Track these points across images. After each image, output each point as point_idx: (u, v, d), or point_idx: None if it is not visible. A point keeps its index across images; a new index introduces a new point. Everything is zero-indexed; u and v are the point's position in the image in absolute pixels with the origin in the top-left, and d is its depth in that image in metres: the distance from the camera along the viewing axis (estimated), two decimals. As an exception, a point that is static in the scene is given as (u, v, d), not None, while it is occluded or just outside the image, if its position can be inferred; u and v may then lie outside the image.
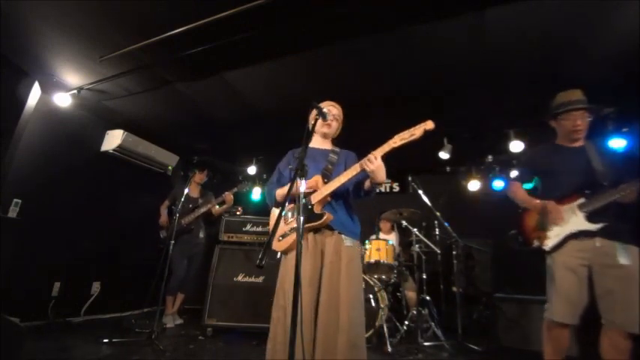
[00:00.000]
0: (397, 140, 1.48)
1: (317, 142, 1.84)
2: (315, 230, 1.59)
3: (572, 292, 1.69)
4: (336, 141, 1.93)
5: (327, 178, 1.63)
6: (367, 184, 1.59)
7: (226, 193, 3.61)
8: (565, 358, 1.73)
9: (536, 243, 1.86)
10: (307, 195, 1.62)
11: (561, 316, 1.70)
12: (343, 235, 1.58)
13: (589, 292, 1.69)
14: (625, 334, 1.57)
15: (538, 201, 1.88)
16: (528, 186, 2.04)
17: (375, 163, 1.46)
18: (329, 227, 1.59)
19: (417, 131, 1.44)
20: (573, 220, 1.75)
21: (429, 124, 1.43)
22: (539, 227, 1.85)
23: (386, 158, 1.50)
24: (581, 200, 1.76)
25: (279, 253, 1.72)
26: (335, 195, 1.62)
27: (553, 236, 1.79)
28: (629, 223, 1.71)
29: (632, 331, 1.55)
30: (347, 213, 1.67)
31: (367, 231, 3.62)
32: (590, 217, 1.71)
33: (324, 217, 1.54)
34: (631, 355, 1.58)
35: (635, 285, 1.58)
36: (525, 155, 2.08)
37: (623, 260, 1.61)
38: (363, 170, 1.50)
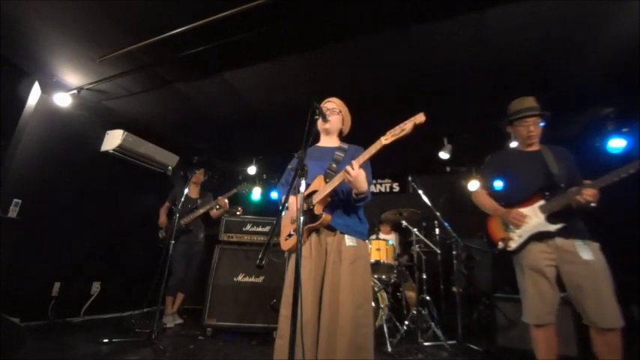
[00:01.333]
0: (389, 137, 1.43)
1: (323, 141, 1.84)
2: (318, 231, 1.59)
3: (545, 293, 1.73)
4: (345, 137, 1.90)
5: (329, 177, 1.62)
6: (353, 192, 1.54)
7: (219, 197, 3.65)
8: (564, 357, 1.74)
9: (501, 245, 1.93)
10: (309, 196, 1.62)
11: (538, 318, 1.73)
12: (346, 235, 1.57)
13: (560, 290, 1.74)
14: (604, 330, 1.58)
15: (502, 208, 1.95)
16: (499, 186, 2.11)
17: (352, 173, 1.43)
18: (330, 228, 1.58)
19: (407, 126, 1.39)
20: (535, 221, 1.81)
21: (420, 118, 1.38)
22: (502, 227, 1.94)
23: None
24: (542, 202, 1.82)
25: (286, 252, 1.72)
26: (336, 195, 1.61)
27: (516, 237, 1.86)
28: (586, 223, 1.78)
29: (607, 326, 1.56)
30: (351, 213, 1.65)
31: (368, 231, 3.61)
32: (550, 218, 1.77)
33: (322, 218, 1.54)
34: (629, 354, 1.58)
35: (602, 279, 1.62)
36: (486, 162, 2.14)
37: (585, 256, 1.66)
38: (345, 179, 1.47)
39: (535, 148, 1.97)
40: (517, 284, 1.89)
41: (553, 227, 1.76)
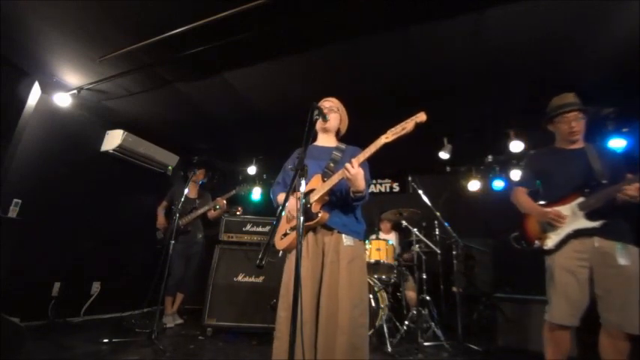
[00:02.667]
0: (389, 135, 1.43)
1: (321, 140, 1.83)
2: (315, 230, 1.58)
3: (572, 294, 1.69)
4: (344, 137, 1.91)
5: (327, 176, 1.62)
6: (350, 191, 1.53)
7: (218, 198, 3.63)
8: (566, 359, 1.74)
9: (537, 243, 1.88)
10: (306, 194, 1.61)
11: (560, 318, 1.71)
12: (343, 235, 1.56)
13: (590, 293, 1.69)
14: (623, 335, 1.58)
15: (540, 208, 1.89)
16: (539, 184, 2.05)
17: (352, 171, 1.43)
18: (327, 227, 1.58)
19: (408, 124, 1.39)
20: (572, 218, 1.76)
21: (421, 117, 1.38)
22: (541, 230, 1.87)
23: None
24: (581, 199, 1.77)
25: (280, 252, 1.71)
26: (334, 194, 1.61)
27: (554, 236, 1.81)
28: (628, 221, 1.72)
29: (630, 331, 1.56)
30: (349, 212, 1.64)
31: (367, 231, 3.62)
32: (590, 216, 1.72)
33: (319, 217, 1.53)
34: (630, 355, 1.58)
35: (634, 285, 1.59)
36: (526, 160, 2.10)
37: (622, 261, 1.62)
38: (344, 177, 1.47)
39: (578, 145, 1.90)
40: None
41: (592, 224, 1.70)
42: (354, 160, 1.46)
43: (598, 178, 1.74)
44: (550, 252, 1.82)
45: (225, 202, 3.64)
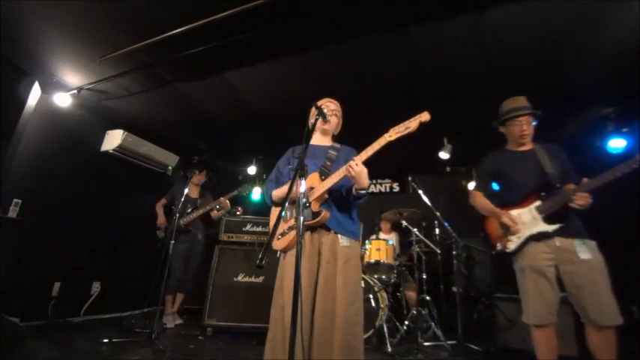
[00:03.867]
0: (392, 134, 1.45)
1: (317, 139, 1.84)
2: (312, 229, 1.58)
3: (546, 294, 1.72)
4: (337, 138, 1.92)
5: (324, 175, 1.62)
6: (353, 189, 1.55)
7: (221, 199, 3.63)
8: (564, 357, 1.74)
9: (499, 246, 1.93)
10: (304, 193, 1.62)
11: (537, 318, 1.73)
12: (340, 235, 1.57)
13: (560, 290, 1.74)
14: (602, 328, 1.59)
15: (497, 209, 1.94)
16: (495, 187, 2.10)
17: (356, 168, 1.44)
18: (325, 227, 1.58)
19: (412, 124, 1.42)
20: (532, 222, 1.81)
21: (425, 116, 1.41)
22: (503, 233, 1.92)
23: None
24: (538, 202, 1.82)
25: (278, 252, 1.71)
26: (332, 193, 1.61)
27: (515, 238, 1.86)
28: (584, 221, 1.78)
29: (606, 324, 1.57)
30: (345, 212, 1.65)
31: (367, 231, 3.64)
32: (548, 219, 1.77)
33: (321, 215, 1.53)
34: (618, 346, 1.58)
35: (600, 278, 1.63)
36: (482, 164, 2.13)
37: (583, 255, 1.67)
38: (347, 175, 1.48)
39: (528, 147, 1.97)
40: (517, 284, 1.89)
41: (551, 228, 1.76)
42: (356, 158, 1.46)
43: (552, 181, 1.79)
44: (513, 254, 1.87)
45: (228, 202, 3.64)
